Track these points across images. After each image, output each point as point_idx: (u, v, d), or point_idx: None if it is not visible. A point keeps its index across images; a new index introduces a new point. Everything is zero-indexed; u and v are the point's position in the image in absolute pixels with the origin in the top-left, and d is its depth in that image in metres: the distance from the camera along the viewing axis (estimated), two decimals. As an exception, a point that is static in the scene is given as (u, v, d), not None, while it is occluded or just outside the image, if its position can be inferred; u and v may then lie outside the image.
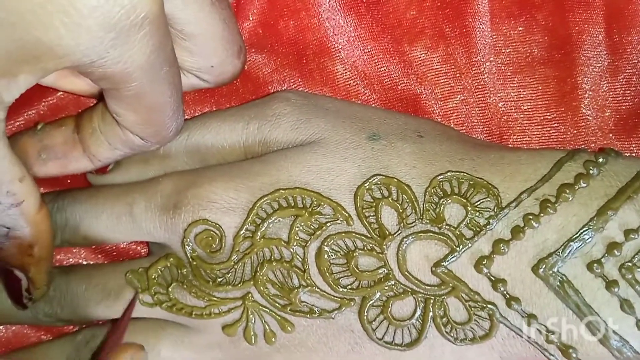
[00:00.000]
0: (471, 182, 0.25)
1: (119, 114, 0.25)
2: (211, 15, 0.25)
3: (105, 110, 0.27)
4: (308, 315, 0.26)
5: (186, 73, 0.28)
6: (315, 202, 0.26)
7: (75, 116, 0.29)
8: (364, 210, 0.26)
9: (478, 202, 0.25)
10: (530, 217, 0.24)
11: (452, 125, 0.30)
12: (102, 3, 0.20)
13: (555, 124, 0.30)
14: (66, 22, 0.20)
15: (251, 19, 0.31)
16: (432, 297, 0.25)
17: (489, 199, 0.25)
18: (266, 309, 0.27)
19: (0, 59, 0.21)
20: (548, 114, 0.30)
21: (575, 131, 0.30)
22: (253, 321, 0.27)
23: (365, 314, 0.26)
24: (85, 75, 0.23)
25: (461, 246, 0.25)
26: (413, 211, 0.26)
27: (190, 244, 0.27)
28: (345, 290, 0.26)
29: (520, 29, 0.30)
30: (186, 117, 0.32)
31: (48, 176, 0.29)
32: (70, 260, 0.32)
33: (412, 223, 0.25)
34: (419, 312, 0.26)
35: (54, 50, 0.21)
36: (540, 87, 0.30)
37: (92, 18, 0.20)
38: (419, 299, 0.25)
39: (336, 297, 0.26)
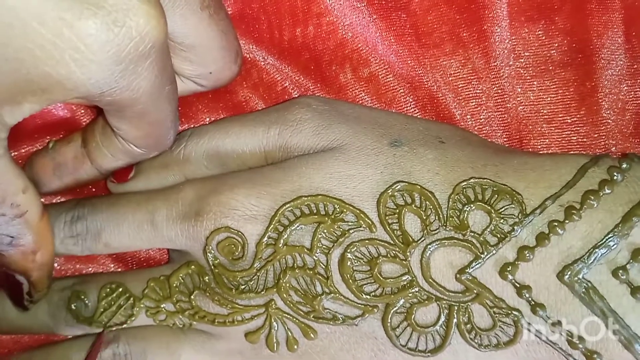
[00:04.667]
0: (495, 189, 0.25)
1: (120, 129, 0.26)
2: (210, 28, 0.26)
3: (105, 125, 0.27)
4: (331, 322, 0.26)
5: (184, 79, 0.28)
6: (337, 209, 0.26)
7: (81, 131, 0.30)
8: (387, 217, 0.26)
9: (502, 209, 0.25)
10: (555, 223, 0.24)
11: (471, 130, 0.30)
12: (112, 37, 0.20)
13: (575, 128, 0.30)
14: (77, 58, 0.20)
15: (265, 26, 0.31)
16: (457, 304, 0.25)
17: (513, 206, 0.25)
18: (289, 316, 0.27)
19: (6, 89, 0.21)
20: (568, 117, 0.30)
21: (595, 135, 0.30)
22: (276, 328, 0.27)
23: (389, 320, 0.26)
24: (91, 102, 0.23)
25: (485, 253, 0.25)
26: (437, 218, 0.26)
27: (213, 252, 0.27)
28: (368, 297, 0.26)
29: (539, 32, 0.30)
30: (203, 122, 0.32)
31: (64, 189, 0.30)
32: (90, 268, 0.31)
33: (435, 230, 0.25)
34: (442, 318, 0.26)
35: (63, 84, 0.21)
36: (559, 91, 0.30)
37: (102, 52, 0.20)
38: (443, 305, 0.25)
39: (359, 304, 0.26)
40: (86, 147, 0.29)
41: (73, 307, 0.29)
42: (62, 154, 0.30)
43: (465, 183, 0.26)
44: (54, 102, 0.22)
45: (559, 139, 0.30)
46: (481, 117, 0.30)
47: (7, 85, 0.21)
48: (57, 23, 0.19)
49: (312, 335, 0.27)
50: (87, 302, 0.29)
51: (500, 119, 0.30)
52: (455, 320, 0.25)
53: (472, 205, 0.25)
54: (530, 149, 0.30)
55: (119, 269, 0.32)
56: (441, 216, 0.25)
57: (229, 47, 0.27)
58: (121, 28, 0.20)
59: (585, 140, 0.30)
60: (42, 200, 0.31)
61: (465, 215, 0.25)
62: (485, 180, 0.26)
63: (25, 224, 0.25)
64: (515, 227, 0.25)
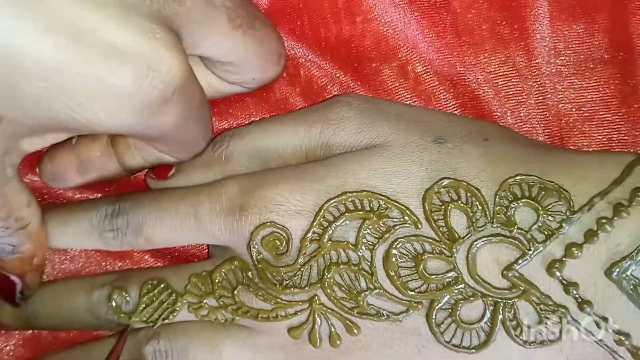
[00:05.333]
0: (541, 186, 0.25)
1: (153, 145, 0.27)
2: (245, 42, 0.26)
3: None
4: (375, 318, 0.26)
5: (229, 83, 0.28)
6: (383, 205, 0.26)
7: None
8: (432, 214, 0.26)
9: (549, 206, 0.25)
10: (604, 220, 0.24)
11: (511, 128, 0.30)
12: (138, 89, 0.21)
13: (616, 126, 0.30)
14: (105, 108, 0.21)
15: (306, 23, 0.31)
16: (502, 301, 0.25)
17: (560, 203, 0.25)
18: (332, 312, 0.27)
19: (31, 128, 0.22)
20: (609, 115, 0.30)
21: (636, 133, 0.30)
22: (319, 324, 0.27)
23: (434, 317, 0.26)
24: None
25: (533, 250, 0.25)
26: (483, 215, 0.26)
27: (257, 247, 0.27)
28: (413, 293, 0.26)
29: (580, 30, 0.30)
30: (242, 122, 0.32)
31: (86, 184, 0.31)
32: (129, 265, 0.32)
33: (482, 226, 0.26)
34: (488, 315, 0.26)
35: (90, 127, 0.22)
36: (600, 89, 0.30)
37: (129, 102, 0.21)
38: (489, 302, 0.26)
39: (404, 300, 0.26)
40: (114, 146, 0.29)
41: (114, 303, 0.29)
42: (87, 151, 0.30)
43: (511, 180, 0.26)
44: (78, 134, 0.24)
45: (600, 137, 0.30)
46: (521, 114, 0.30)
47: (33, 125, 0.22)
48: (88, 79, 0.20)
49: (355, 331, 0.27)
50: (128, 298, 0.29)
51: (540, 117, 0.30)
52: (500, 316, 0.25)
53: (519, 202, 0.25)
54: (570, 147, 0.30)
55: (158, 265, 0.32)
56: (488, 213, 0.26)
57: (269, 52, 0.27)
58: (146, 79, 0.21)
59: (626, 138, 0.30)
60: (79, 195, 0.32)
61: (512, 212, 0.25)
62: (531, 177, 0.26)
63: (27, 234, 0.26)
64: (563, 224, 0.25)
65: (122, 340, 0.28)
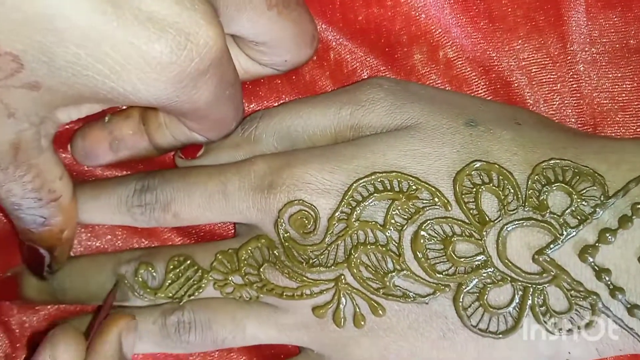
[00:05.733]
0: (576, 170, 0.25)
1: (184, 122, 0.27)
2: (280, 22, 0.26)
3: None
4: (401, 300, 0.26)
5: (261, 65, 0.28)
6: (412, 187, 0.26)
7: (140, 107, 0.30)
8: (463, 196, 0.26)
9: (583, 191, 0.25)
10: (639, 206, 0.24)
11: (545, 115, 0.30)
12: (175, 59, 0.21)
13: (651, 116, 0.29)
14: (142, 77, 0.21)
15: (337, 6, 0.31)
16: (532, 286, 0.25)
17: (595, 188, 0.25)
18: (358, 292, 0.27)
19: (68, 97, 0.22)
20: (643, 105, 0.30)
21: (671, 123, 0.29)
22: (344, 303, 0.27)
23: (461, 300, 0.26)
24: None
25: (565, 234, 0.25)
26: (515, 198, 0.25)
27: (284, 225, 0.27)
28: (441, 276, 0.26)
29: (616, 19, 0.30)
30: (271, 104, 0.32)
31: (116, 162, 0.31)
32: (155, 243, 0.32)
33: (513, 210, 0.25)
34: (516, 300, 0.25)
35: (126, 97, 0.22)
36: (635, 78, 0.29)
37: (166, 73, 0.21)
38: (518, 287, 0.25)
39: (431, 282, 0.26)
40: (146, 125, 0.29)
41: (140, 278, 0.29)
42: (119, 128, 0.30)
43: (545, 164, 0.25)
44: (113, 105, 0.24)
45: (634, 127, 0.30)
46: (554, 102, 0.30)
47: (69, 94, 0.22)
48: (126, 47, 0.20)
49: (380, 312, 0.26)
50: (154, 273, 0.29)
51: (574, 105, 0.30)
52: (529, 302, 0.25)
53: (552, 186, 0.25)
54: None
55: (184, 242, 0.32)
56: (520, 196, 0.25)
57: (303, 33, 0.27)
58: (183, 51, 0.21)
59: (660, 128, 0.29)
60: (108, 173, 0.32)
61: (545, 196, 0.25)
62: (565, 161, 0.25)
63: (58, 206, 0.26)
64: (597, 209, 0.24)
65: (112, 295, 0.29)
